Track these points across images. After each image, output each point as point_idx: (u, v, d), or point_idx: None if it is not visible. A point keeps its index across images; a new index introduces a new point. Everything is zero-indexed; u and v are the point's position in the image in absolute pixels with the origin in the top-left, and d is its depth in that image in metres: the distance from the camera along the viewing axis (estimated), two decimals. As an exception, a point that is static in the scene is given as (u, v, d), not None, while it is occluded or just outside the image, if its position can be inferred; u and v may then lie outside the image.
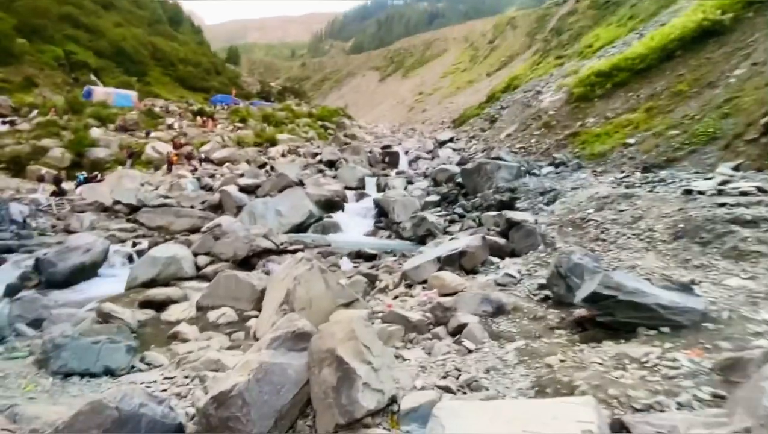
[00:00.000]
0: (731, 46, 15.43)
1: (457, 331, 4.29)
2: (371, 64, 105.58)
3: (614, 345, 3.31)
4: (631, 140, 13.82)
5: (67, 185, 17.46)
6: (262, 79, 73.83)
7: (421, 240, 12.27)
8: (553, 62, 39.43)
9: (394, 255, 10.34)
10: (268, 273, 8.68)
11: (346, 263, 9.70)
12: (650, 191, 7.51)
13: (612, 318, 3.47)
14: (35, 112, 25.29)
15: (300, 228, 14.83)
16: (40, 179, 17.47)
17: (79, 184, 17.76)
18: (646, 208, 6.36)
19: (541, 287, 5.17)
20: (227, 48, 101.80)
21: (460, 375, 3.34)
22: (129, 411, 2.48)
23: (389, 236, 14.21)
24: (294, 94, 68.63)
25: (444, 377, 3.37)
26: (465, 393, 3.05)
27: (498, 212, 8.41)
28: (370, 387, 2.77)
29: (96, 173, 19.53)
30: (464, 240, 6.51)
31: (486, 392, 2.95)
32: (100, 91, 31.91)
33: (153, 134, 26.40)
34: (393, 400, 2.99)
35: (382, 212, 15.83)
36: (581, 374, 2.85)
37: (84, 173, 19.10)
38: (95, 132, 23.94)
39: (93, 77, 37.69)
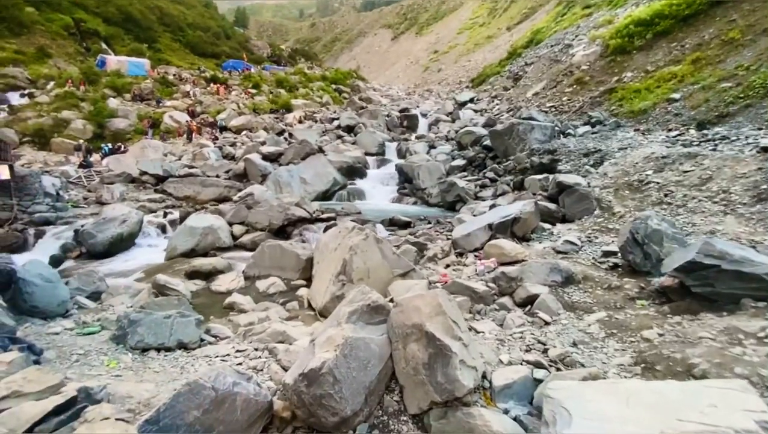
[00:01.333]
0: (791, -13, 13.99)
1: (527, 302, 4.12)
2: (383, 21, 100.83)
3: (717, 317, 3.07)
4: (676, 95, 12.90)
5: (92, 158, 17.60)
6: (271, 42, 71.41)
7: (451, 206, 11.98)
8: (580, 12, 36.75)
9: (429, 222, 10.12)
10: (304, 242, 8.61)
11: (381, 231, 9.53)
12: (714, 150, 6.97)
13: (711, 289, 3.21)
14: (52, 83, 25.09)
15: (325, 196, 14.68)
16: (78, 148, 18.03)
17: (104, 155, 17.85)
18: (715, 168, 5.90)
19: (606, 254, 4.91)
20: (234, 10, 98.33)
21: (546, 349, 3.18)
22: (224, 391, 2.41)
23: (415, 203, 13.94)
24: (305, 57, 66.39)
25: (527, 351, 3.23)
26: (559, 368, 2.89)
27: (544, 176, 7.99)
28: (466, 364, 2.63)
29: (120, 144, 19.53)
30: (516, 205, 6.20)
31: (585, 369, 2.78)
32: (113, 60, 31.33)
33: (168, 103, 26.06)
34: (483, 376, 2.86)
35: (405, 178, 15.45)
36: (693, 350, 2.64)
37: (108, 144, 19.14)
38: (112, 102, 23.78)
39: (104, 46, 36.95)
